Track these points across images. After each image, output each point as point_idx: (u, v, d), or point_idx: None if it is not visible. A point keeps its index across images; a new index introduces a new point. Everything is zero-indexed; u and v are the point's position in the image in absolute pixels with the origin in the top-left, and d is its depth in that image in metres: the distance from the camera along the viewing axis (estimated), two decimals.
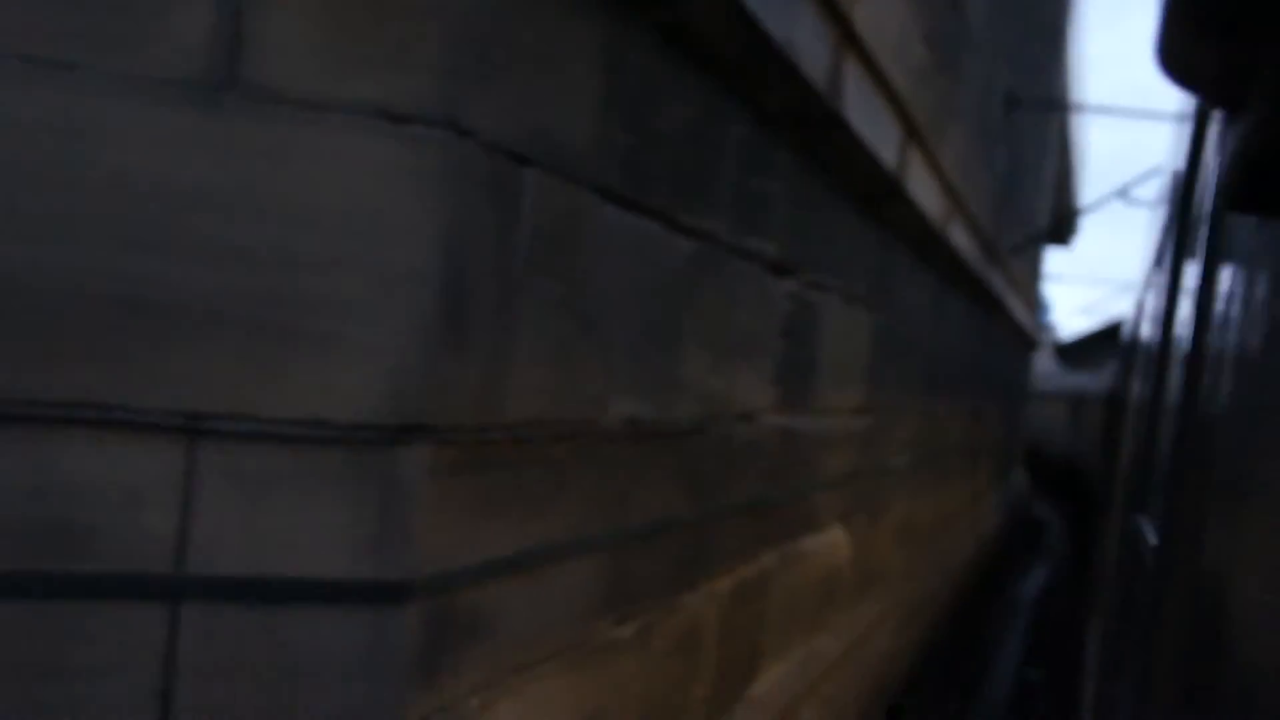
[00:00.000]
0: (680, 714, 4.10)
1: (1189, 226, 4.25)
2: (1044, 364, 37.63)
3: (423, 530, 2.39)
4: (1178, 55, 1.11)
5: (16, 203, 2.10)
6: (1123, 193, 13.46)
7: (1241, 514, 1.40)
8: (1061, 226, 25.19)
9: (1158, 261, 4.46)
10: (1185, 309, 3.70)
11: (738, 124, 3.94)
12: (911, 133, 5.98)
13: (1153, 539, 2.27)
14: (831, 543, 6.33)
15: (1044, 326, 32.66)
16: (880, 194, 6.02)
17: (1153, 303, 4.08)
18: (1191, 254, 3.83)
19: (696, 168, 3.62)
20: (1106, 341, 38.28)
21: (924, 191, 6.74)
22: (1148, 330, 4.11)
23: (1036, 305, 22.52)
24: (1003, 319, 14.42)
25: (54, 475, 2.15)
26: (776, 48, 3.64)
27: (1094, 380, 26.01)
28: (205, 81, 2.19)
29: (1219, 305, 2.96)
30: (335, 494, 2.30)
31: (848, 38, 4.44)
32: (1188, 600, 1.67)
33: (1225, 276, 1.75)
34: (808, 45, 3.94)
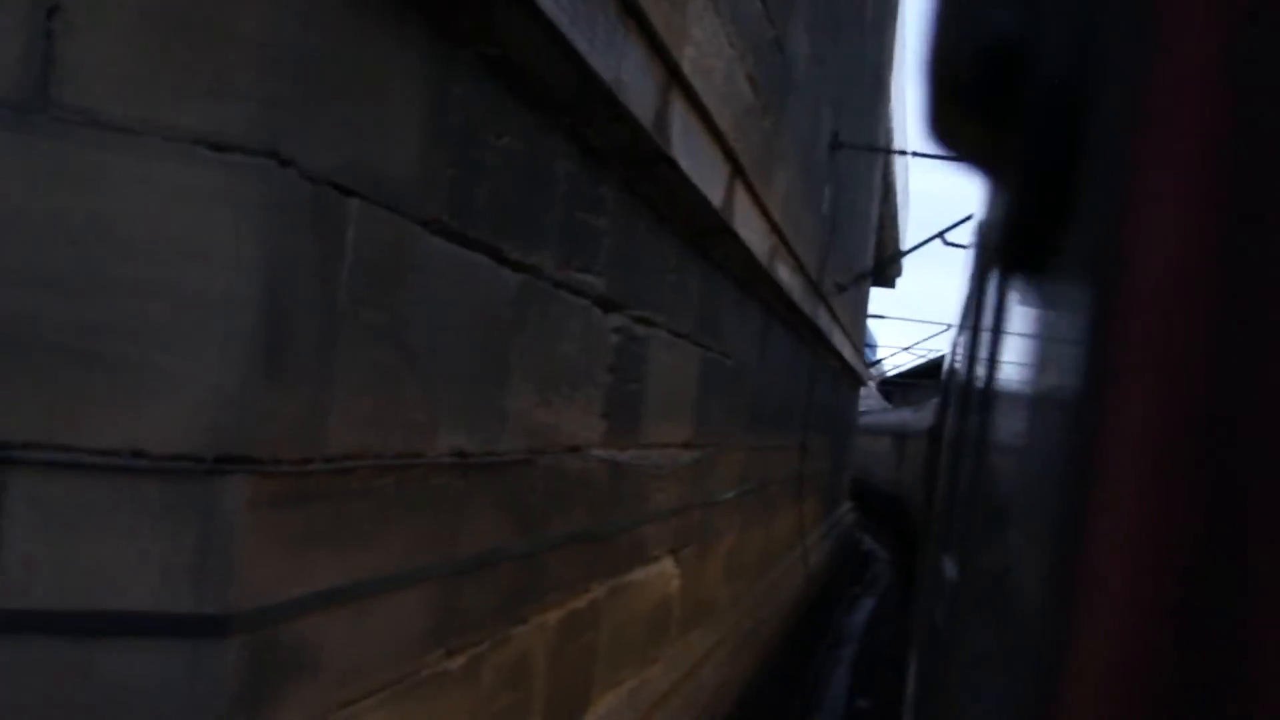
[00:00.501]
0: None
1: (983, 273, 4.42)
2: (870, 399, 38.37)
3: (243, 562, 2.36)
4: (941, 129, 1.18)
5: None
6: (941, 236, 13.84)
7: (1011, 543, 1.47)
8: (885, 267, 25.79)
9: (965, 304, 4.62)
10: (981, 351, 3.85)
11: (565, 159, 3.98)
12: (738, 171, 6.09)
13: (951, 573, 2.35)
14: (661, 575, 6.37)
15: (870, 363, 33.31)
16: (707, 231, 6.11)
17: (961, 344, 4.22)
18: (985, 299, 3.98)
19: (523, 202, 3.64)
20: (928, 377, 39.25)
21: (750, 229, 6.86)
22: (956, 369, 4.25)
23: (862, 342, 22.98)
24: (829, 354, 14.69)
25: None
26: (604, 85, 3.69)
27: (916, 415, 26.60)
28: (15, 103, 2.15)
29: (1002, 350, 3.09)
30: (153, 525, 2.26)
31: (675, 77, 4.51)
32: (979, 630, 1.73)
33: (1010, 320, 1.84)
34: (635, 83, 4.00)
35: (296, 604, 2.57)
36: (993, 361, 3.22)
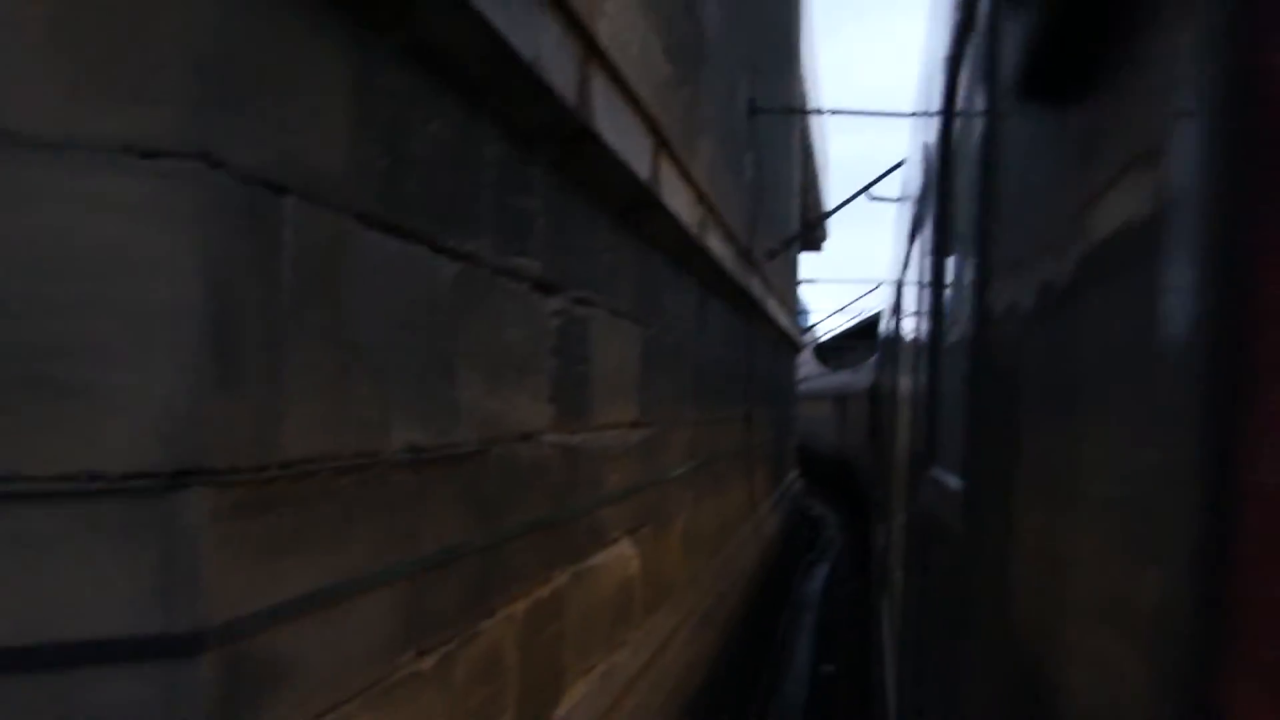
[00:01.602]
0: None
1: (916, 224, 4.41)
2: (808, 365, 38.59)
3: (210, 577, 2.31)
4: None
5: None
6: (866, 191, 13.89)
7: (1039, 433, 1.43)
8: (813, 230, 25.89)
9: (915, 225, 4.59)
10: (921, 302, 3.84)
11: (492, 143, 3.93)
12: (662, 144, 6.06)
13: (954, 483, 2.32)
14: (621, 557, 6.36)
15: (805, 328, 33.48)
16: (637, 206, 6.08)
17: (918, 266, 4.20)
18: (919, 250, 3.97)
19: (455, 189, 3.59)
20: (864, 338, 39.50)
21: (679, 201, 6.84)
22: (917, 293, 4.23)
23: (796, 308, 23.08)
24: (765, 323, 14.73)
25: None
26: (524, 64, 3.65)
27: (855, 377, 26.80)
28: None
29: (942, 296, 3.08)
30: (115, 548, 2.20)
31: (593, 52, 4.48)
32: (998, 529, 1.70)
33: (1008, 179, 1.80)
34: (554, 60, 3.96)
35: (267, 614, 2.52)
36: (936, 306, 3.21)
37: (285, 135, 2.58)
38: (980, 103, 2.07)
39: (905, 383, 5.54)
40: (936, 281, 3.26)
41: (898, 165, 11.75)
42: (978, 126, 2.13)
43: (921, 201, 4.18)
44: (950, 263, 2.98)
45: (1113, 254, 0.99)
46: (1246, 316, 0.64)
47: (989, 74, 1.94)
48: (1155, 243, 0.83)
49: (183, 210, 2.24)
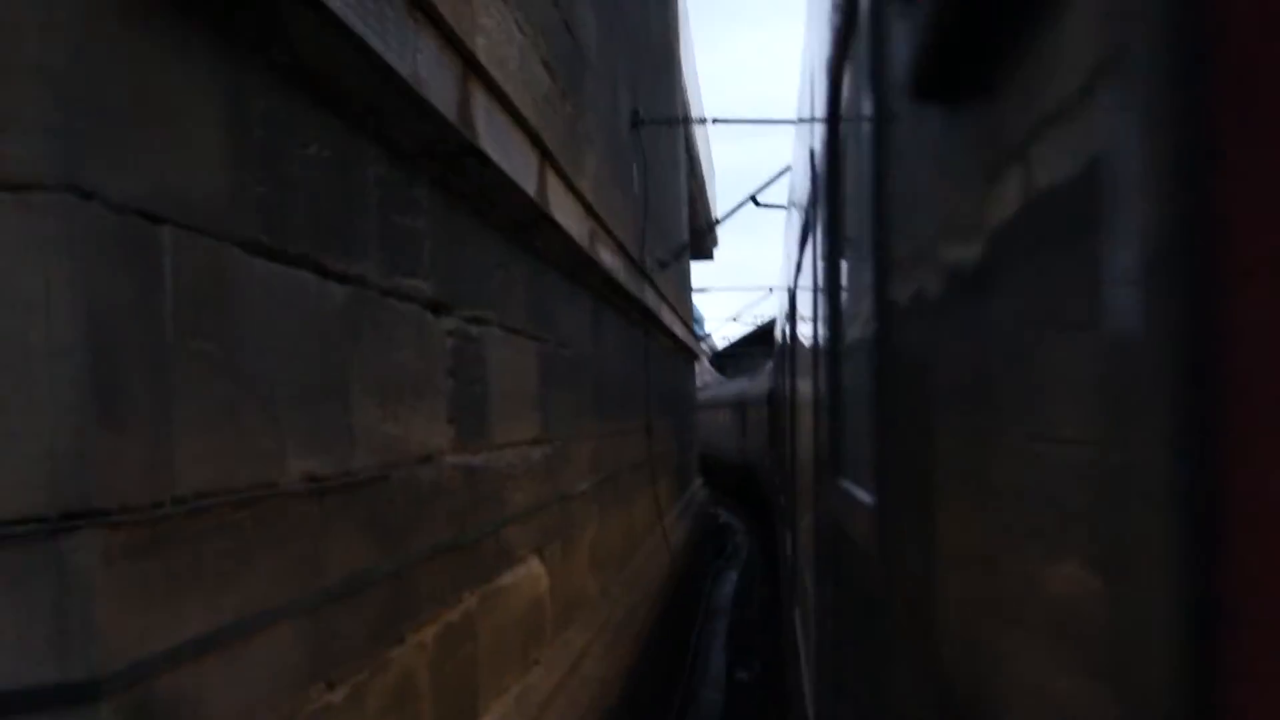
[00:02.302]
0: None
1: (807, 227, 4.42)
2: (706, 374, 38.75)
3: (105, 621, 2.23)
4: None
5: None
6: (753, 198, 13.98)
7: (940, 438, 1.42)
8: (703, 238, 26.01)
9: (805, 229, 4.60)
10: (817, 306, 3.85)
11: (375, 163, 3.88)
12: (547, 157, 6.04)
13: (865, 498, 2.31)
14: (530, 576, 6.31)
15: (701, 337, 33.63)
16: (527, 223, 6.05)
17: (811, 271, 4.21)
18: (811, 253, 3.98)
19: (339, 211, 3.54)
20: (760, 344, 39.77)
21: (567, 215, 6.82)
22: (811, 297, 4.24)
23: (691, 317, 23.16)
24: (661, 334, 14.75)
25: None
26: (402, 82, 3.60)
27: (754, 383, 26.97)
28: None
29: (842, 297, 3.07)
30: (4, 596, 2.12)
31: (471, 67, 4.44)
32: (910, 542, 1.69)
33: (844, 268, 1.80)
34: (433, 77, 3.91)
35: (168, 656, 2.45)
36: (832, 310, 3.21)
37: (160, 164, 2.51)
38: (868, 104, 2.07)
39: (804, 388, 5.56)
40: (831, 285, 3.26)
41: (783, 171, 11.84)
42: (866, 128, 2.13)
43: (811, 206, 4.19)
44: (844, 265, 2.97)
45: (1029, 237, 0.97)
46: (1223, 293, 0.58)
47: (876, 74, 1.94)
48: (1091, 217, 0.79)
49: (55, 244, 2.17)
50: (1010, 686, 1.06)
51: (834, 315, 3.16)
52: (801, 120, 4.60)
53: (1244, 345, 0.56)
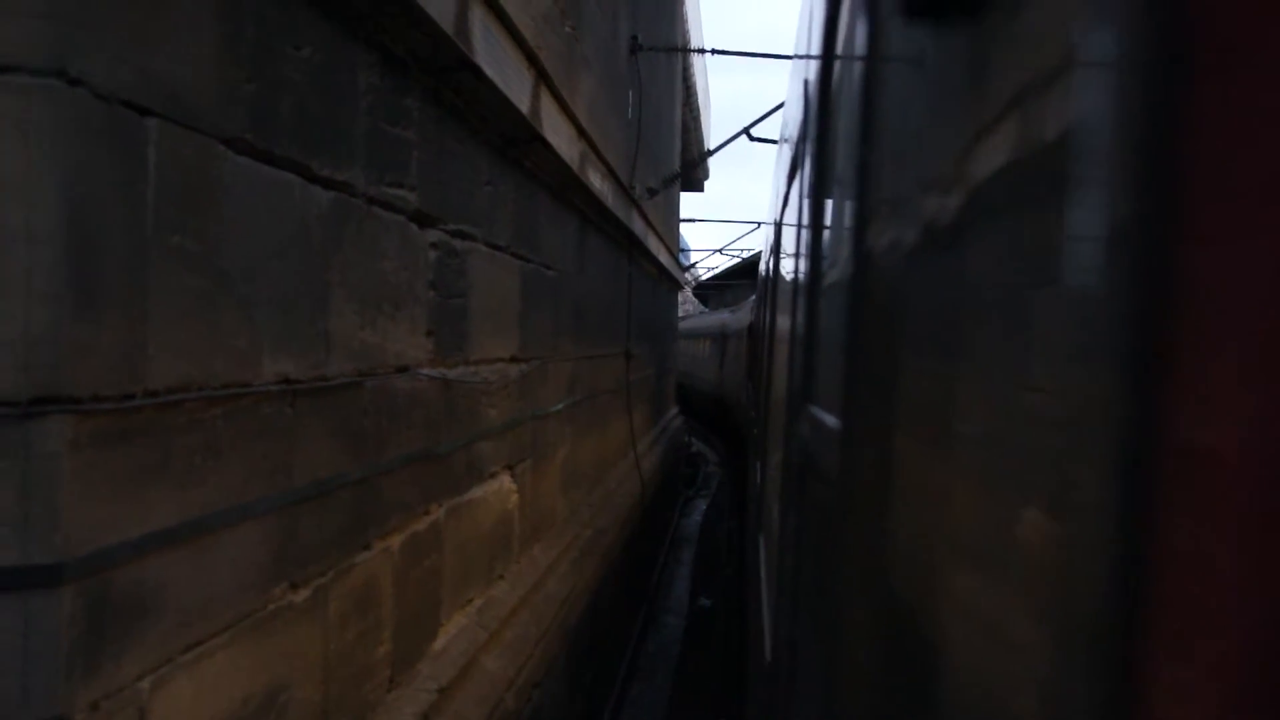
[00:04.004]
0: (363, 676, 4.04)
1: (796, 162, 4.41)
2: (689, 304, 38.75)
3: (70, 507, 2.25)
4: None
5: None
6: (747, 131, 13.91)
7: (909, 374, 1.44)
8: (694, 169, 25.90)
9: (794, 165, 4.59)
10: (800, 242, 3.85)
11: (367, 70, 3.86)
12: (542, 77, 6.01)
13: (831, 422, 2.34)
14: (500, 491, 6.35)
15: (685, 267, 33.58)
16: (518, 140, 6.03)
17: (797, 207, 4.21)
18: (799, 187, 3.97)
19: (328, 116, 3.52)
20: (744, 278, 39.73)
21: (559, 136, 6.79)
22: (796, 233, 4.24)
23: (677, 247, 23.11)
24: (646, 260, 14.73)
25: None
26: None
27: (735, 316, 26.98)
28: None
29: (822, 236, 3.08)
30: None
31: None
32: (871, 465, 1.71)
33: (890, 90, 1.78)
34: None
35: (132, 546, 2.47)
36: (815, 249, 3.22)
37: (149, 55, 2.50)
38: (861, 37, 2.06)
39: (784, 322, 5.57)
40: (816, 222, 3.26)
41: (778, 107, 11.78)
42: (858, 63, 2.12)
43: (801, 142, 4.17)
44: (829, 203, 2.98)
45: (1006, 184, 0.97)
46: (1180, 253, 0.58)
47: (871, 5, 1.93)
48: (1062, 168, 0.79)
49: (38, 129, 2.16)
50: (953, 605, 1.09)
51: (816, 251, 3.17)
52: (797, 56, 4.57)
53: (1194, 299, 0.58)
